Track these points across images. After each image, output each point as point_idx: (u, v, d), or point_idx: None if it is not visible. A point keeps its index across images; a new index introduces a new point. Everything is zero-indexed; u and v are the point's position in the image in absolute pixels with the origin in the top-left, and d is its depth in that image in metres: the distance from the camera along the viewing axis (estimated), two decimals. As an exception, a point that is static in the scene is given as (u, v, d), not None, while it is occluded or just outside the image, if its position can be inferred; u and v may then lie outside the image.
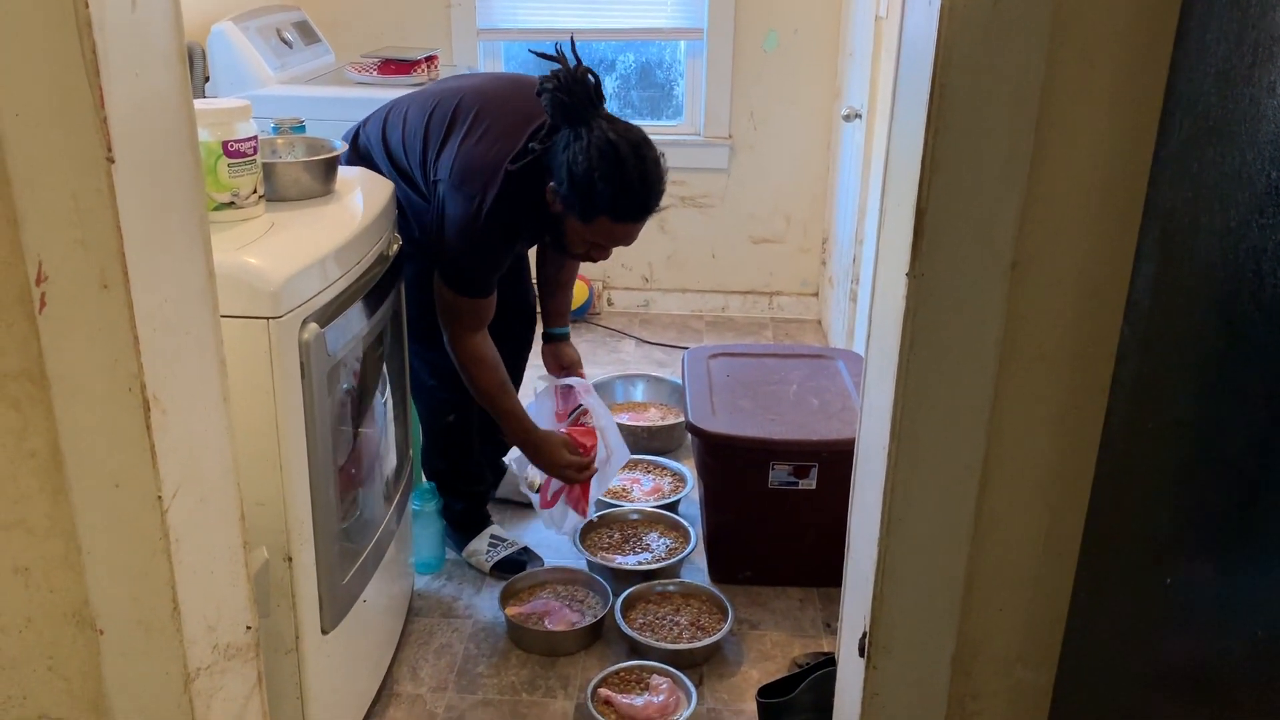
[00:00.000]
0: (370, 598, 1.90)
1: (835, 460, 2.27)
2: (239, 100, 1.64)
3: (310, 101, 2.92)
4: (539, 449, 2.25)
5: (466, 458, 2.49)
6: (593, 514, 2.49)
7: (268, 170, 1.71)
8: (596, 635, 2.27)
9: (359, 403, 1.89)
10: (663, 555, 2.48)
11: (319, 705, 1.71)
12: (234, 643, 1.25)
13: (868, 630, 1.24)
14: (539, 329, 2.58)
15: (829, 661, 1.76)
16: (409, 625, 2.30)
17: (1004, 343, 1.11)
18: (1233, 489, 0.88)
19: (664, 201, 2.04)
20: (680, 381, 2.70)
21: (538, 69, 2.02)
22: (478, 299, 2.12)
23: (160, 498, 1.06)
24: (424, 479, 2.50)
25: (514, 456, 2.39)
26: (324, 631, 1.70)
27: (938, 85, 1.02)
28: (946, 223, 1.06)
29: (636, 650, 2.21)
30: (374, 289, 1.80)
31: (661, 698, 2.03)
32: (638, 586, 2.35)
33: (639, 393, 3.29)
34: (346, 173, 1.96)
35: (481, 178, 2.01)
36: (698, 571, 2.50)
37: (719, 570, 2.48)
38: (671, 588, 2.37)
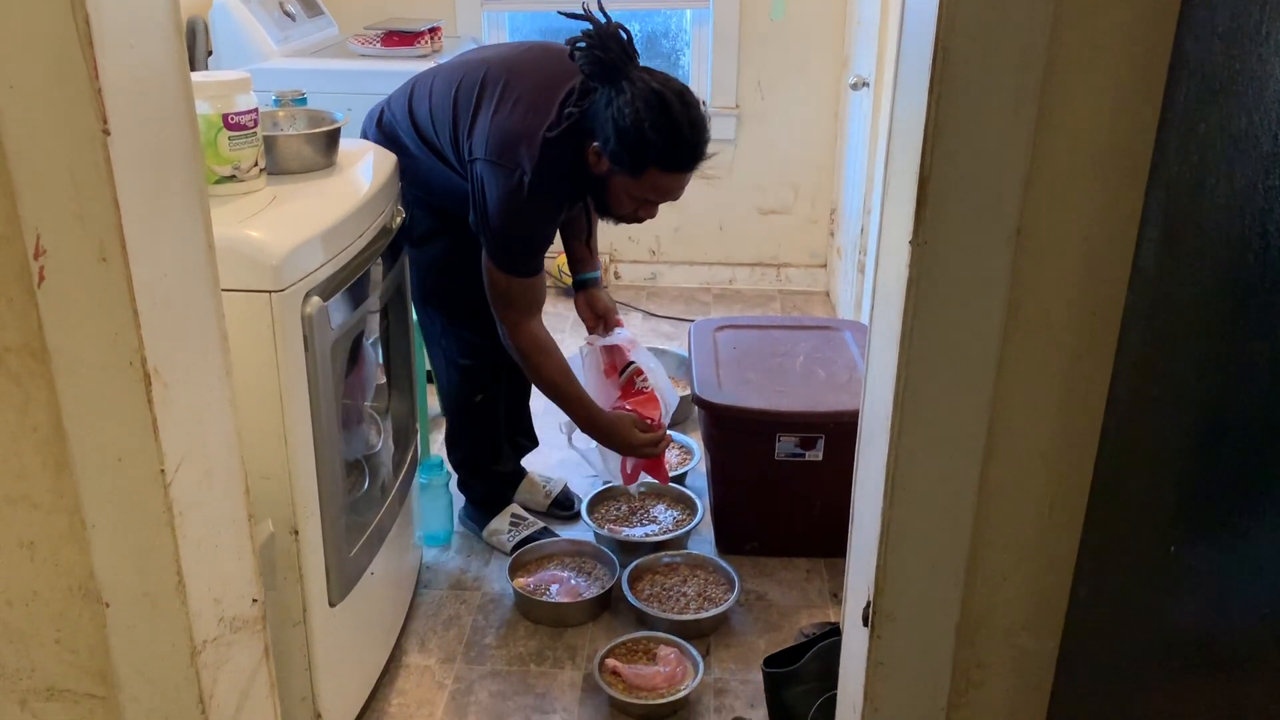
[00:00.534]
0: (378, 570, 1.91)
1: (841, 432, 2.27)
2: (239, 73, 1.64)
3: (314, 74, 2.91)
4: (611, 433, 2.23)
5: (492, 437, 2.48)
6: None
7: (269, 143, 1.71)
8: (604, 606, 2.28)
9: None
10: (670, 527, 2.49)
11: (327, 677, 1.72)
12: (240, 615, 1.25)
13: (872, 600, 1.24)
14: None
15: (835, 631, 1.76)
16: (417, 597, 2.31)
17: (1008, 311, 1.10)
18: (1238, 456, 0.88)
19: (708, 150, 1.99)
20: (687, 354, 2.69)
21: (550, 40, 1.99)
22: (531, 278, 2.08)
23: (163, 471, 1.07)
24: (445, 461, 2.50)
25: (563, 421, 2.36)
26: (331, 604, 1.71)
27: (940, 49, 1.00)
28: (949, 190, 1.05)
29: (644, 621, 2.22)
30: (378, 261, 1.80)
31: (668, 668, 2.04)
32: (645, 558, 2.35)
33: (646, 365, 3.28)
34: (349, 145, 1.95)
35: (519, 150, 1.96)
36: (705, 543, 2.50)
37: (726, 541, 2.48)
38: (679, 559, 2.38)
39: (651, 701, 1.98)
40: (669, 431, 2.84)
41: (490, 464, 2.49)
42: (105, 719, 1.17)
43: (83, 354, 1.01)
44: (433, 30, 3.16)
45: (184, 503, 1.10)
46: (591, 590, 2.28)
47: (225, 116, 1.56)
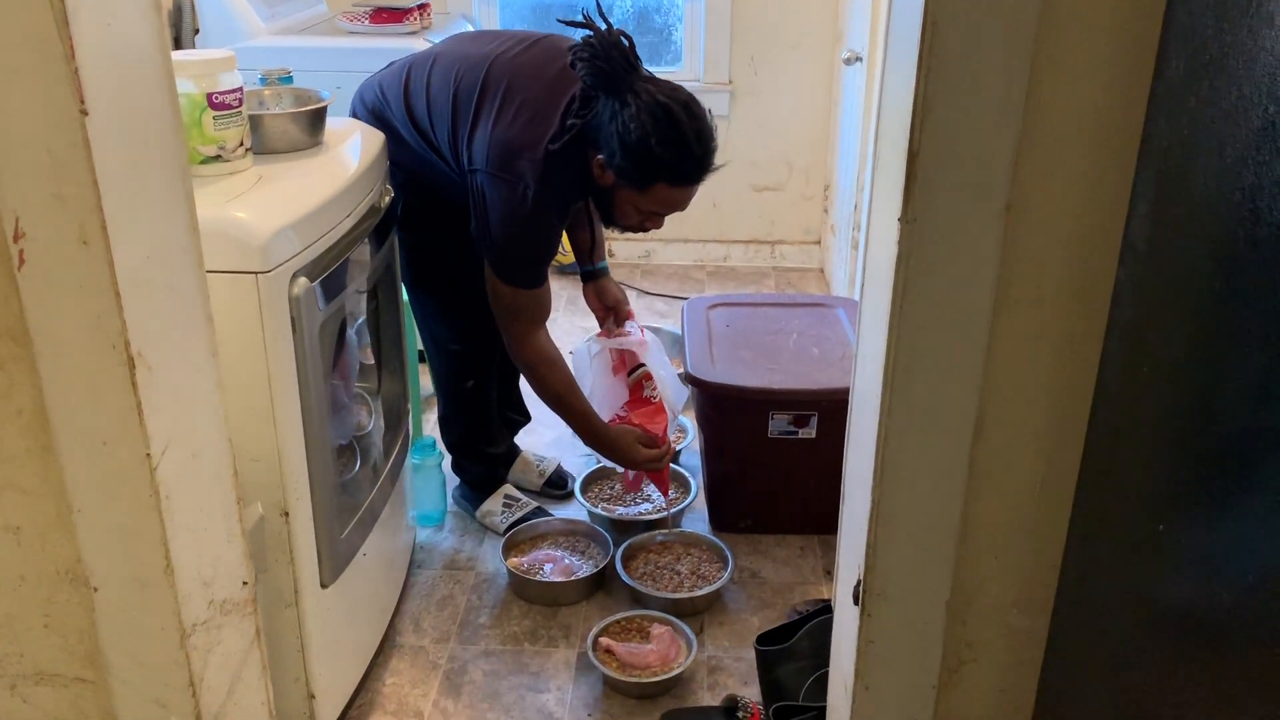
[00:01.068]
0: (370, 551, 1.91)
1: (834, 409, 2.25)
2: (222, 51, 1.62)
3: (301, 52, 2.88)
4: (614, 449, 2.21)
5: (485, 421, 2.47)
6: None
7: (254, 122, 1.69)
8: (598, 585, 2.28)
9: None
10: (663, 505, 2.49)
11: (320, 658, 1.72)
12: (230, 598, 1.25)
13: (862, 578, 1.24)
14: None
15: (827, 609, 1.76)
16: (411, 578, 2.32)
17: (998, 287, 1.09)
18: (1229, 433, 0.87)
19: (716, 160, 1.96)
20: (680, 332, 2.69)
21: (540, 19, 1.96)
22: (535, 289, 2.06)
23: (149, 455, 1.06)
24: (440, 444, 2.50)
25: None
26: (323, 585, 1.71)
27: (929, 23, 0.99)
28: (939, 166, 1.04)
29: (637, 599, 2.22)
30: (366, 242, 1.78)
31: (662, 646, 2.04)
32: (638, 536, 2.36)
33: (640, 344, 3.28)
34: (336, 124, 1.93)
35: (520, 162, 1.92)
36: (698, 521, 2.51)
37: (719, 519, 2.48)
38: (672, 537, 2.38)
39: (645, 679, 1.98)
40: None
41: (483, 446, 2.49)
42: (95, 703, 1.17)
43: (65, 338, 1.01)
44: (421, 6, 3.14)
45: (171, 486, 1.10)
46: (585, 569, 2.28)
47: (209, 95, 1.54)
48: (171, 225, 1.10)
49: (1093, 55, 1.01)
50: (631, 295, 3.80)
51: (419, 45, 2.84)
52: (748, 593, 2.28)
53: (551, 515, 2.48)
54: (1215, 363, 0.89)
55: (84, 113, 0.93)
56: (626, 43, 1.87)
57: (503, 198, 1.95)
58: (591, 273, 2.44)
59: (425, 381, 2.86)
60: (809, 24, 3.76)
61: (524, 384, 2.58)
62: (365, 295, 1.91)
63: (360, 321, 1.91)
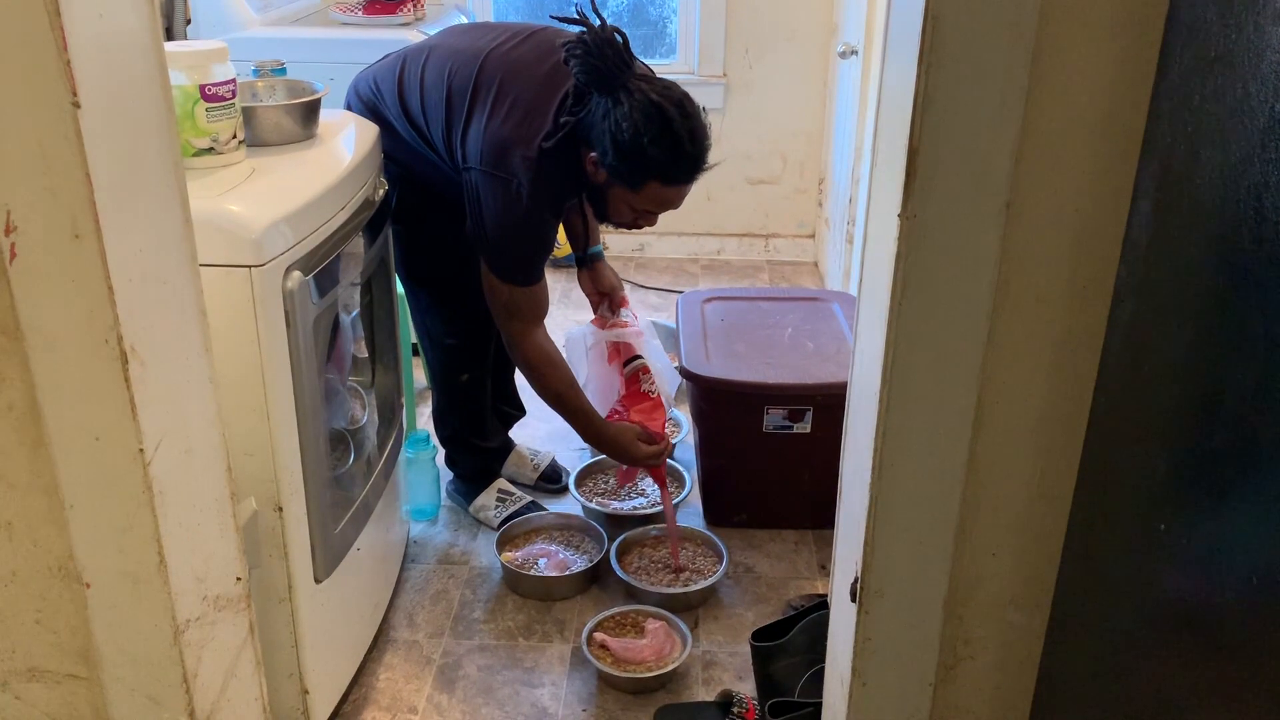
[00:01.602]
0: (364, 546, 1.90)
1: (830, 404, 2.26)
2: (215, 42, 1.60)
3: (295, 43, 2.87)
4: (614, 446, 2.20)
5: (479, 415, 2.46)
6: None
7: (248, 114, 1.67)
8: (592, 580, 2.28)
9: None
10: (658, 500, 2.48)
11: (314, 653, 1.71)
12: (224, 594, 1.24)
13: (859, 575, 1.24)
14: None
15: (822, 604, 1.76)
16: (405, 572, 2.31)
17: (998, 285, 1.08)
18: (1229, 433, 0.87)
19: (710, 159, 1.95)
20: (675, 326, 2.68)
21: (533, 11, 1.95)
22: (532, 286, 2.05)
23: (142, 450, 1.05)
24: (434, 438, 2.49)
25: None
26: (317, 580, 1.70)
27: (930, 17, 0.98)
28: (939, 162, 1.03)
29: (632, 594, 2.22)
30: (360, 235, 1.77)
31: (657, 641, 2.04)
32: (633, 531, 2.35)
33: (634, 337, 3.27)
34: (330, 116, 1.91)
35: (514, 159, 1.92)
36: (693, 515, 2.50)
37: (714, 514, 2.48)
38: (667, 532, 2.37)
39: (640, 674, 1.98)
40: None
41: (477, 440, 2.48)
42: (88, 699, 1.17)
43: (57, 332, 1.00)
44: (416, -2, 3.12)
45: (164, 481, 1.09)
46: (579, 564, 2.28)
47: (202, 87, 1.52)
48: (164, 218, 1.09)
49: (1095, 51, 1.00)
50: (625, 289, 3.79)
51: (413, 37, 2.82)
52: (743, 587, 2.28)
53: (546, 509, 2.48)
54: (1216, 362, 0.89)
55: (76, 105, 0.92)
56: (620, 40, 1.86)
57: (497, 195, 1.94)
58: (585, 258, 2.43)
59: (419, 375, 2.85)
60: (804, 17, 3.75)
61: (519, 379, 2.58)
62: (359, 289, 1.90)
63: (354, 315, 1.90)
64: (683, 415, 2.80)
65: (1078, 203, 1.06)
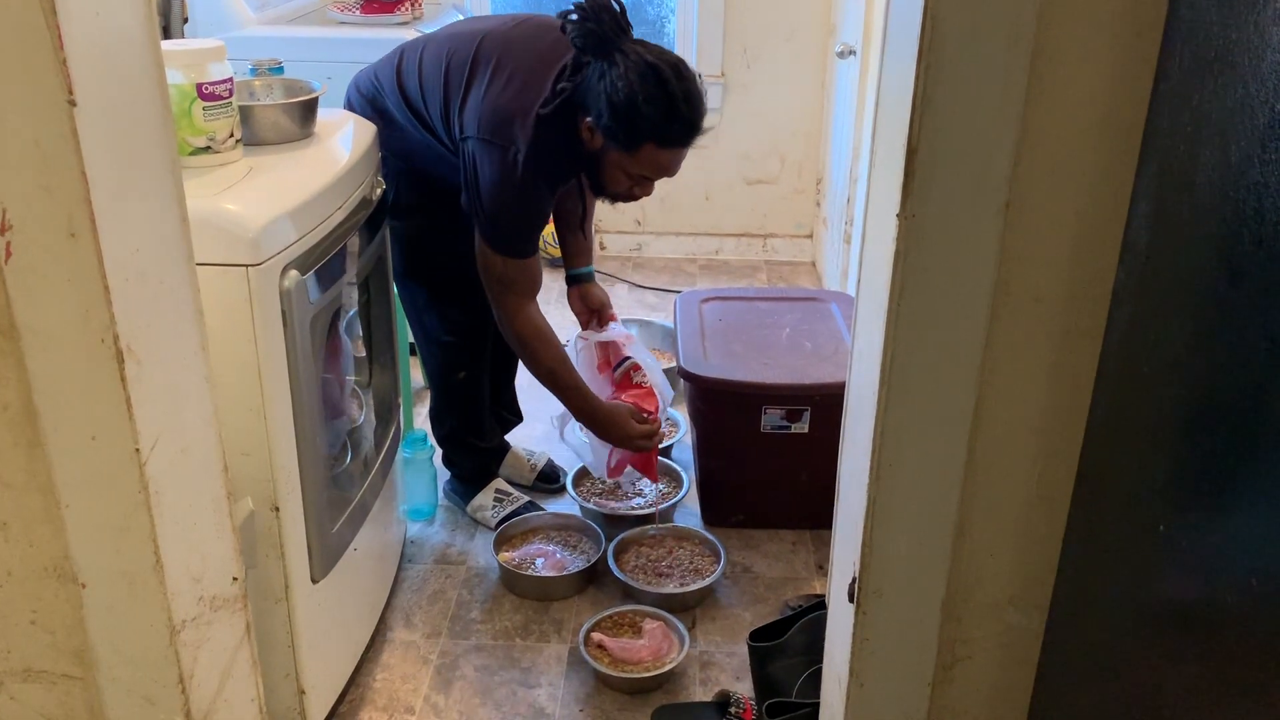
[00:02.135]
0: (361, 546, 1.90)
1: (827, 404, 2.26)
2: (212, 41, 1.60)
3: (293, 42, 2.86)
4: (608, 423, 2.19)
5: (477, 414, 2.45)
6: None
7: (245, 113, 1.67)
8: (589, 580, 2.27)
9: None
10: (655, 500, 2.48)
11: (311, 654, 1.71)
12: (220, 594, 1.24)
13: (857, 575, 1.23)
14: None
15: (820, 604, 1.76)
16: (402, 572, 2.30)
17: (996, 285, 1.08)
18: (1228, 434, 0.87)
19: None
20: (673, 326, 2.68)
21: (532, 7, 1.95)
22: (526, 259, 2.04)
23: (138, 450, 1.05)
24: (431, 438, 2.48)
25: (556, 414, 2.33)
26: (314, 580, 1.69)
27: (929, 17, 0.98)
28: (938, 162, 1.03)
29: (629, 594, 2.21)
30: (357, 234, 1.77)
31: (654, 641, 2.04)
32: (630, 531, 2.35)
33: (632, 337, 3.26)
34: (327, 115, 1.91)
35: (512, 127, 1.92)
36: (691, 515, 2.50)
37: (712, 514, 2.48)
38: (664, 532, 2.37)
39: (637, 675, 1.97)
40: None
41: (474, 440, 2.47)
42: (84, 699, 1.16)
43: (53, 331, 0.99)
44: (413, -3, 3.11)
45: (160, 481, 1.09)
46: (577, 564, 2.27)
47: (199, 86, 1.52)
48: (161, 217, 1.09)
49: (1094, 50, 1.00)
50: (623, 289, 3.80)
51: (410, 36, 2.82)
52: (740, 588, 2.28)
53: (543, 510, 2.47)
54: (1216, 362, 0.89)
55: (72, 103, 0.92)
56: (618, 6, 1.87)
57: (494, 163, 1.94)
58: (577, 276, 2.44)
59: (416, 375, 2.84)
60: (802, 17, 3.74)
61: (519, 383, 2.58)
62: (356, 288, 1.89)
63: (351, 314, 1.90)
64: (681, 416, 2.79)
65: (1077, 203, 1.05)
